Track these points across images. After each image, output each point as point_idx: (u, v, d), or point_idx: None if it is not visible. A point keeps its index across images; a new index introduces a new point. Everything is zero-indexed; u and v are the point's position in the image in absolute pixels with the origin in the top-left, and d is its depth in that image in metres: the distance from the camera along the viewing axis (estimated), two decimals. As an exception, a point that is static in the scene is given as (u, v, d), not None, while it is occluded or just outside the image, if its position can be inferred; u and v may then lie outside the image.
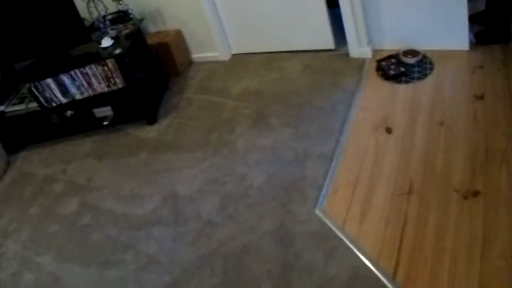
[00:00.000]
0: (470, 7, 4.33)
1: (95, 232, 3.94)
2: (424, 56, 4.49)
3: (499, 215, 2.91)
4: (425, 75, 4.30)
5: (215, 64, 5.67)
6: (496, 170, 3.20)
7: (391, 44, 4.75)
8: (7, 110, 5.21)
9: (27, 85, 4.92)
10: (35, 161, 5.14)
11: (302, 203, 3.46)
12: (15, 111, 5.19)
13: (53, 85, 4.88)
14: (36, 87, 4.88)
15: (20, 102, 5.22)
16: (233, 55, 5.72)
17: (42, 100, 4.97)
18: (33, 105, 5.09)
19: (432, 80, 4.23)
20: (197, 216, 3.70)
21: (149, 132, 4.88)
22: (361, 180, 3.46)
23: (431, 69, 4.36)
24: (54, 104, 5.03)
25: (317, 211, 3.35)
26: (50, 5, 4.77)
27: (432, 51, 4.54)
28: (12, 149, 5.38)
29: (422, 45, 4.57)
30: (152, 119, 4.99)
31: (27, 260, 3.92)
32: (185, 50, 5.81)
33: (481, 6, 4.67)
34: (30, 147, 5.38)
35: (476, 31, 4.48)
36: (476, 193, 3.08)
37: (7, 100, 5.30)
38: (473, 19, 4.55)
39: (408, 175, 3.36)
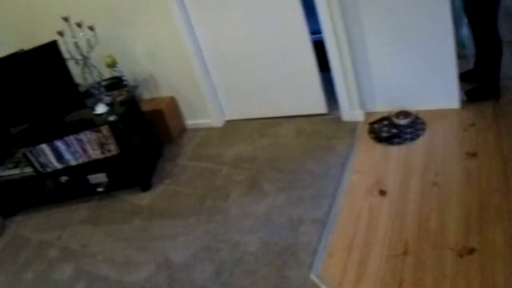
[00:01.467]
0: (459, 66, 4.39)
1: (89, 299, 3.89)
2: (416, 117, 4.52)
3: (495, 271, 2.90)
4: (418, 136, 4.32)
5: (208, 130, 5.70)
6: (490, 227, 3.20)
7: (383, 106, 4.79)
8: (2, 175, 5.21)
9: (22, 150, 4.93)
10: (30, 226, 5.11)
11: (297, 268, 3.43)
12: (10, 175, 5.19)
13: (47, 151, 4.89)
14: (31, 152, 4.89)
15: (15, 167, 5.22)
16: (227, 121, 5.75)
17: (37, 165, 4.98)
18: (28, 169, 5.09)
19: (425, 140, 4.25)
20: (192, 283, 3.66)
21: (143, 198, 4.87)
22: (355, 243, 3.44)
23: (424, 129, 4.38)
24: (49, 170, 5.04)
25: (312, 276, 3.32)
26: (46, 71, 4.84)
27: (424, 111, 4.59)
28: (7, 213, 5.36)
29: (414, 106, 4.62)
30: (146, 186, 4.98)
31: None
32: (179, 116, 5.84)
33: (470, 64, 4.72)
34: (25, 212, 5.36)
35: (467, 89, 4.53)
36: (471, 251, 3.07)
37: (2, 164, 5.30)
38: (463, 77, 4.63)
39: (403, 236, 3.35)
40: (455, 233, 3.24)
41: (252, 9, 4.84)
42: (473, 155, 3.87)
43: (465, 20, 4.69)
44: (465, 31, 5.06)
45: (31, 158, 4.93)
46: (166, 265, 3.93)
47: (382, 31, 4.42)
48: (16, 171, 5.19)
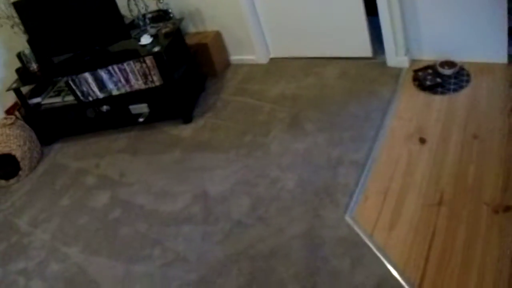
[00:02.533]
0: (510, 20, 4.31)
1: (124, 226, 3.98)
2: (461, 68, 4.46)
3: (530, 231, 2.89)
4: (461, 87, 4.27)
5: (253, 67, 5.69)
6: (529, 185, 3.17)
7: (429, 54, 4.73)
8: (43, 102, 5.30)
9: (65, 79, 4.99)
10: (69, 154, 5.22)
11: (332, 209, 3.46)
12: (51, 103, 5.28)
13: (90, 80, 4.95)
14: (73, 81, 4.95)
15: (57, 95, 5.30)
16: (271, 58, 5.74)
17: (79, 94, 5.05)
18: (70, 98, 5.18)
19: (468, 93, 4.20)
20: (227, 216, 3.71)
21: (184, 131, 4.92)
22: (392, 189, 3.45)
23: (468, 81, 4.33)
24: (90, 99, 5.11)
25: (347, 218, 3.34)
26: (91, 1, 4.84)
27: (470, 63, 4.50)
28: (47, 141, 5.47)
29: (460, 57, 4.54)
30: (187, 118, 5.02)
31: (55, 250, 3.98)
32: (224, 51, 5.84)
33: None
34: (65, 140, 5.47)
35: None
36: (507, 208, 3.04)
37: (44, 92, 5.37)
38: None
39: (439, 187, 3.34)
40: (492, 189, 3.21)
41: None
42: (517, 112, 3.84)
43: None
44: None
45: (73, 86, 5.00)
46: (202, 197, 3.99)
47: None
48: (57, 99, 5.28)
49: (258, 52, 5.65)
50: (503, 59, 4.40)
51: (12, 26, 5.30)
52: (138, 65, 4.84)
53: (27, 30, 5.09)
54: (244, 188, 3.92)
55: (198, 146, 4.61)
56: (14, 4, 4.97)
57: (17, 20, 5.13)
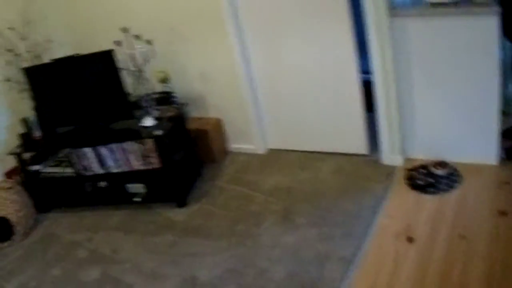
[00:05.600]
0: (503, 123, 4.45)
1: (112, 304, 3.99)
2: (454, 169, 4.55)
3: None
4: (452, 188, 4.35)
5: (250, 156, 5.76)
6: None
7: (423, 153, 4.84)
8: (43, 171, 5.38)
9: (66, 151, 5.09)
10: (63, 225, 5.24)
11: (317, 303, 3.48)
12: (50, 172, 5.36)
13: (91, 155, 5.05)
14: (74, 154, 5.05)
15: (57, 165, 5.39)
16: (269, 149, 5.81)
17: (78, 167, 5.13)
18: (69, 170, 5.24)
19: (459, 193, 4.28)
20: (214, 303, 3.73)
21: (178, 214, 4.95)
22: (377, 287, 3.48)
23: (459, 181, 4.41)
24: (89, 173, 5.19)
25: (331, 313, 3.38)
26: (98, 78, 5.01)
27: (462, 164, 4.60)
28: (43, 209, 5.50)
29: (453, 157, 4.65)
30: (182, 202, 5.07)
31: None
32: (223, 139, 5.92)
33: (512, 122, 4.74)
34: (60, 210, 5.50)
35: (507, 146, 4.55)
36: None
37: (45, 160, 5.47)
38: (506, 134, 4.61)
39: (424, 286, 3.37)
40: (477, 288, 3.27)
41: (307, 44, 4.94)
42: (504, 213, 3.89)
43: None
44: (512, 87, 5.10)
45: (74, 159, 5.08)
46: (191, 282, 4.00)
47: (430, 78, 4.49)
48: (57, 170, 5.35)
49: (256, 142, 5.74)
50: (493, 160, 4.52)
51: (20, 91, 5.43)
52: (138, 146, 4.93)
53: (35, 97, 5.22)
54: (232, 277, 3.93)
55: (190, 231, 4.65)
56: (25, 69, 5.13)
57: (25, 86, 5.26)
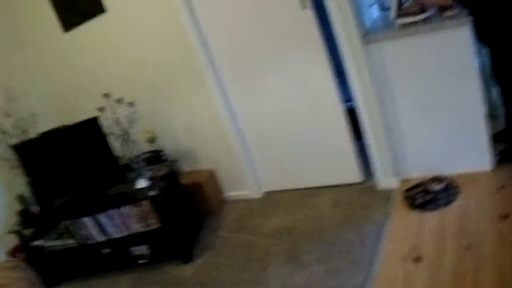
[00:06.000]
0: (492, 126, 4.49)
1: None
2: (450, 182, 4.56)
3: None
4: (451, 201, 4.36)
5: (247, 202, 5.77)
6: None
7: (417, 171, 4.85)
8: (46, 245, 5.36)
9: (65, 222, 5.09)
10: (73, 297, 5.19)
11: (334, 339, 3.46)
12: (53, 246, 5.35)
13: (90, 224, 5.06)
14: (73, 225, 5.06)
15: (59, 238, 5.37)
16: (265, 192, 5.83)
17: (79, 238, 5.13)
18: (71, 241, 5.24)
19: (458, 205, 4.29)
20: None
21: (185, 270, 4.92)
22: (392, 312, 3.47)
23: (457, 193, 4.42)
24: (91, 242, 5.19)
25: None
26: (86, 146, 5.06)
27: (457, 175, 4.62)
28: (51, 283, 5.47)
29: (447, 170, 4.67)
30: (187, 258, 5.05)
31: None
32: (218, 189, 5.93)
33: (501, 124, 4.75)
34: (68, 282, 5.47)
35: (500, 149, 4.57)
36: (507, 314, 3.07)
37: (47, 234, 5.45)
38: (497, 137, 4.63)
39: (438, 304, 3.36)
40: (490, 297, 3.25)
41: (284, 81, 5.00)
42: (505, 217, 3.90)
43: (495, 81, 4.73)
44: (496, 91, 5.10)
45: (74, 230, 5.09)
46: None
47: (412, 98, 4.54)
48: (59, 242, 5.34)
49: (251, 187, 5.76)
50: (487, 166, 4.55)
51: (11, 168, 5.46)
52: (135, 208, 4.94)
53: (28, 172, 5.26)
54: (247, 325, 3.91)
55: (200, 286, 4.62)
56: (14, 146, 5.18)
57: (15, 162, 5.30)
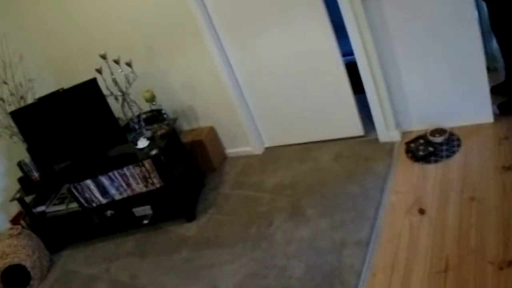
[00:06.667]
0: (490, 79, 4.44)
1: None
2: (451, 134, 4.56)
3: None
4: (454, 152, 4.36)
5: (249, 158, 5.77)
6: (529, 238, 3.22)
7: (419, 124, 4.84)
8: (48, 210, 5.39)
9: (67, 186, 5.08)
10: (78, 260, 5.23)
11: (342, 290, 3.48)
12: (56, 211, 5.37)
13: (92, 186, 5.04)
14: (76, 188, 5.05)
15: (61, 203, 5.40)
16: (266, 148, 5.82)
17: (82, 201, 5.13)
18: (74, 205, 5.26)
19: (461, 156, 4.29)
20: (240, 309, 3.72)
21: (189, 229, 4.94)
22: (398, 262, 3.49)
23: (459, 145, 4.42)
24: (94, 205, 5.19)
25: (357, 297, 3.38)
26: (86, 108, 5.02)
27: (459, 127, 4.62)
28: (55, 249, 5.49)
29: (449, 122, 4.66)
30: (191, 216, 5.06)
31: None
32: (219, 146, 5.93)
33: (501, 77, 4.74)
34: (73, 246, 5.48)
35: (499, 102, 4.55)
36: (511, 263, 3.11)
37: (48, 200, 5.48)
38: (495, 90, 4.63)
39: (444, 253, 3.39)
40: (494, 247, 3.27)
41: (283, 36, 4.94)
42: (509, 168, 3.90)
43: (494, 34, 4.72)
44: (496, 44, 5.08)
45: (76, 194, 5.08)
46: (214, 293, 4.01)
47: (412, 50, 4.49)
48: (62, 207, 5.36)
49: (252, 143, 5.74)
50: (489, 118, 4.53)
51: (11, 136, 5.45)
52: (137, 169, 4.94)
53: (26, 139, 5.22)
54: (254, 281, 3.93)
55: (204, 243, 4.64)
56: (11, 113, 5.13)
57: (15, 129, 5.27)
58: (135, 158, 4.95)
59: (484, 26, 4.88)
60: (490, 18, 4.37)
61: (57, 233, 5.48)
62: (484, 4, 4.61)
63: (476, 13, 4.25)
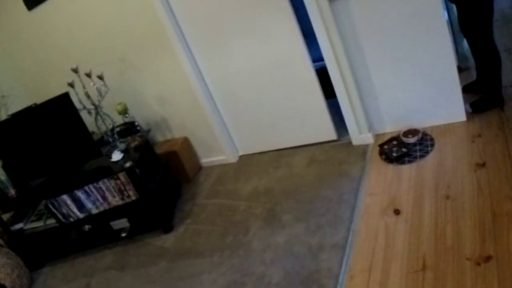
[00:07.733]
0: (462, 79, 4.48)
1: None
2: (424, 134, 4.60)
3: (512, 276, 2.96)
4: (427, 152, 4.39)
5: (223, 167, 5.78)
6: (505, 233, 3.25)
7: (391, 126, 4.88)
8: (26, 228, 5.35)
9: (44, 202, 5.06)
10: (58, 277, 5.19)
11: (320, 294, 3.48)
12: (34, 228, 5.33)
13: (69, 201, 5.02)
14: (52, 204, 5.02)
15: (38, 219, 5.36)
16: (241, 156, 5.84)
17: (60, 216, 5.11)
18: (52, 221, 5.22)
19: (434, 156, 4.33)
20: (220, 318, 3.72)
21: (166, 240, 4.94)
22: (375, 264, 3.50)
23: (432, 145, 4.46)
24: (71, 220, 5.16)
25: (336, 300, 3.38)
26: (59, 123, 4.98)
27: (432, 127, 4.67)
28: (35, 266, 5.44)
29: (422, 123, 4.71)
30: (168, 228, 5.06)
31: None
32: (194, 156, 5.93)
33: (473, 76, 4.78)
34: (52, 263, 5.44)
35: (471, 100, 4.60)
36: (487, 259, 3.13)
37: (26, 217, 5.43)
38: (467, 89, 4.72)
39: (421, 252, 3.40)
40: (471, 243, 3.29)
41: (253, 44, 4.96)
42: (482, 165, 3.93)
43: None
44: (466, 44, 5.11)
45: (53, 209, 5.05)
46: (194, 303, 4.00)
47: (382, 53, 4.52)
48: (39, 224, 5.33)
49: (227, 152, 5.76)
50: (461, 117, 4.57)
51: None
52: (112, 182, 4.92)
53: (1, 156, 5.22)
54: (233, 288, 3.93)
55: (183, 254, 4.63)
56: (-15, 130, 5.09)
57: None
58: (110, 171, 4.93)
59: (454, 26, 4.93)
60: (459, 20, 4.40)
61: (36, 250, 5.45)
62: (450, 6, 4.65)
63: (445, 14, 4.28)
